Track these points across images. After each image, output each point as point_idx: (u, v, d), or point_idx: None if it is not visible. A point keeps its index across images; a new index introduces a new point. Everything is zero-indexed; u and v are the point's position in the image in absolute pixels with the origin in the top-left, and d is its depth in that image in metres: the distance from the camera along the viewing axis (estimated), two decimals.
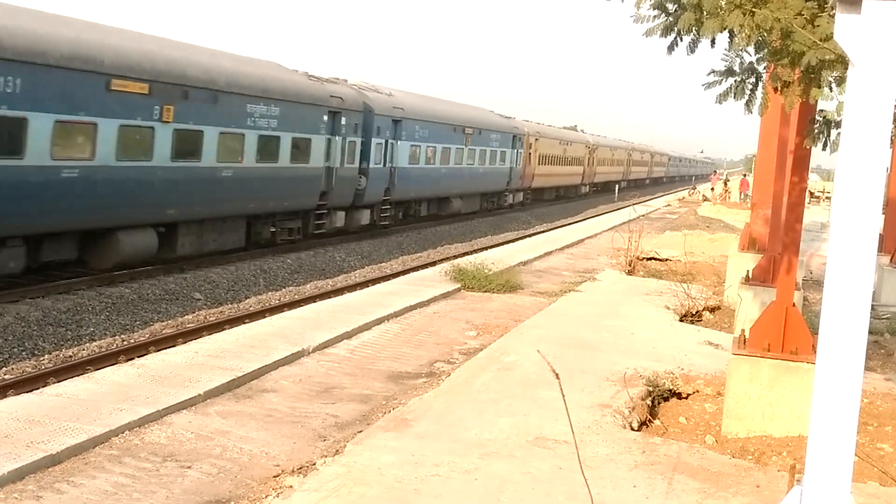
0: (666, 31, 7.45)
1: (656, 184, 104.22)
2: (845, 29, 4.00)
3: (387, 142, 31.47)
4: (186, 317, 17.94)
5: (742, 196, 57.49)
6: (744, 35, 6.78)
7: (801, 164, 11.57)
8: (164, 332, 16.50)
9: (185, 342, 14.22)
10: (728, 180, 63.32)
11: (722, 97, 8.13)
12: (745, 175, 70.91)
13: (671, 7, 7.38)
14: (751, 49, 7.77)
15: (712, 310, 19.43)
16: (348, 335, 14.69)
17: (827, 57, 6.55)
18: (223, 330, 15.31)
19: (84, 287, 18.22)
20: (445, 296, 19.20)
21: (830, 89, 7.30)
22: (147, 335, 16.21)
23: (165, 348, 13.75)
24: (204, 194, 21.35)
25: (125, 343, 15.51)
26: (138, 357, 12.96)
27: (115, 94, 18.02)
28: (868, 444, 9.97)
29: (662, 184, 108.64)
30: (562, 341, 14.58)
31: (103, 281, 18.89)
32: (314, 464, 8.73)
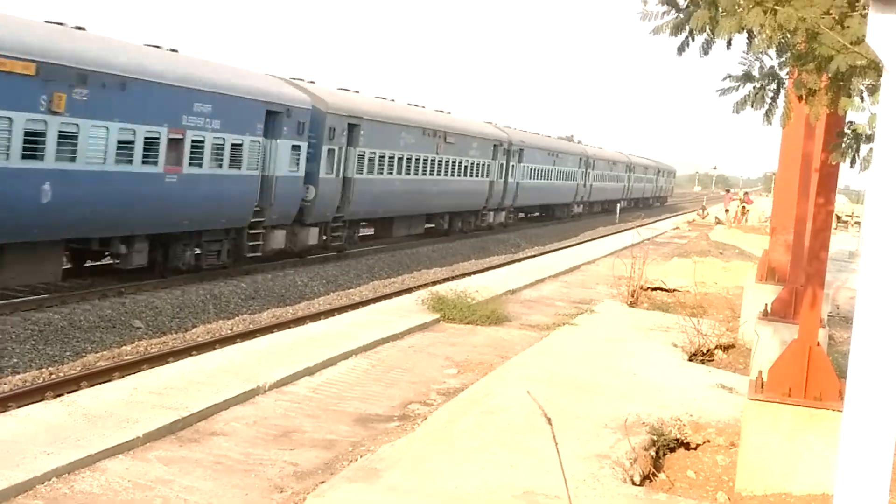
0: (676, 29, 7.46)
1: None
2: (879, 31, 4.01)
3: None
4: (124, 347, 17.82)
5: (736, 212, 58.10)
6: (764, 36, 6.82)
7: (828, 183, 11.63)
8: (98, 364, 16.38)
9: (123, 376, 14.12)
10: (743, 200, 63.66)
11: (739, 105, 8.15)
12: (746, 192, 71.29)
13: (682, 2, 7.41)
14: (772, 52, 7.80)
15: (726, 348, 19.46)
16: (310, 371, 14.63)
17: (858, 62, 6.59)
18: (166, 363, 15.23)
19: (7, 312, 18.09)
20: (422, 327, 19.16)
21: (862, 99, 7.34)
22: (79, 368, 16.08)
23: (100, 383, 13.65)
24: None
25: (53, 377, 15.37)
26: (68, 393, 12.86)
27: None
28: None
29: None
30: (554, 382, 14.57)
31: (29, 305, 18.75)
32: None
